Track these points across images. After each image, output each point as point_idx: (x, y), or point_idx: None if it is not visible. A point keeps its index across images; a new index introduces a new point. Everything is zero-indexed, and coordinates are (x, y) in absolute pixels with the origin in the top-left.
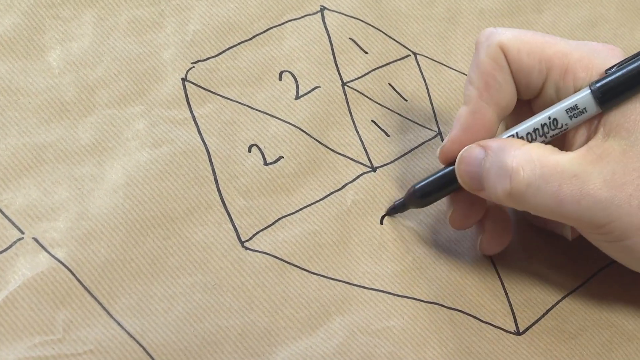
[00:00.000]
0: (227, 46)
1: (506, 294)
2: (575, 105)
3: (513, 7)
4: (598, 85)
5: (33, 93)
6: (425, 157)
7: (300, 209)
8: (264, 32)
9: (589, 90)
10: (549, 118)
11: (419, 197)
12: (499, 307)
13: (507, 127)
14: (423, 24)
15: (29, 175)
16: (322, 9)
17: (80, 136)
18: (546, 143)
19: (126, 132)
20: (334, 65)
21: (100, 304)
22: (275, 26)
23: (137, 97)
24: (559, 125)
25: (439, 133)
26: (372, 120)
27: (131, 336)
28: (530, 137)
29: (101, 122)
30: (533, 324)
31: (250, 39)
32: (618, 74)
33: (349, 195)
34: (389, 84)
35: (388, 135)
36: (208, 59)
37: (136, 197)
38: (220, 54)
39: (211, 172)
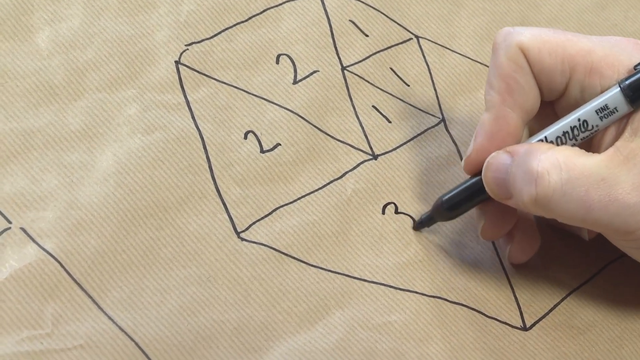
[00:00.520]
0: (223, 27)
1: (512, 288)
2: (605, 105)
3: None
4: (627, 82)
5: (20, 76)
6: (428, 145)
7: (298, 199)
8: (261, 13)
9: (619, 89)
10: (579, 120)
11: (446, 209)
12: (504, 302)
13: (530, 131)
14: (426, 6)
15: (16, 162)
16: None
17: (69, 121)
18: (575, 146)
19: (117, 117)
20: (334, 49)
21: (90, 297)
22: (272, 7)
23: (129, 81)
24: (589, 127)
25: (443, 119)
26: (373, 106)
27: (122, 330)
28: (559, 140)
29: (91, 106)
30: (540, 319)
31: (247, 20)
32: None
33: (349, 184)
34: (391, 69)
35: (390, 122)
36: (202, 40)
37: (128, 186)
38: (215, 35)
39: (205, 159)
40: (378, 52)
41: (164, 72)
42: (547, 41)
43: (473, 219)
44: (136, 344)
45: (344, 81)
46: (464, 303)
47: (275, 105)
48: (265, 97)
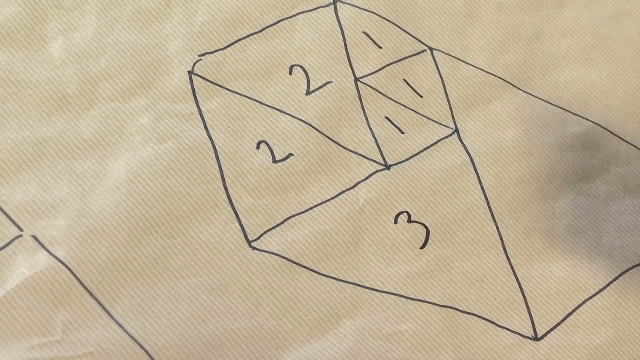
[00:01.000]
0: (236, 38)
1: (524, 298)
2: None
3: (534, 1)
4: None
5: (34, 85)
6: (442, 155)
7: (310, 208)
8: (275, 24)
9: None
10: None
11: None
12: (516, 312)
13: None
14: (440, 18)
15: (28, 170)
16: (335, 1)
17: (82, 130)
18: None
19: (130, 127)
20: (347, 60)
21: (100, 304)
22: (286, 18)
23: (142, 90)
24: None
25: (456, 130)
26: (386, 117)
27: (133, 338)
28: None
29: (104, 115)
30: (552, 329)
31: (260, 31)
32: None
33: (362, 194)
34: (404, 80)
35: (403, 133)
36: (216, 51)
37: (139, 194)
38: (228, 46)
39: (218, 169)
40: (391, 63)
41: (177, 82)
42: None
43: (483, 224)
44: (146, 351)
45: (356, 92)
46: (475, 313)
47: (288, 116)
48: (278, 107)
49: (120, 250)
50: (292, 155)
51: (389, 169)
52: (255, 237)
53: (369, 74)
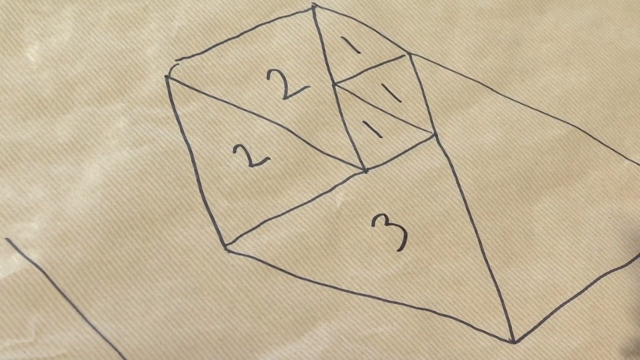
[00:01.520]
0: (214, 43)
1: (502, 300)
2: None
3: (514, 7)
4: None
5: (9, 89)
6: (420, 158)
7: (287, 212)
8: (253, 29)
9: None
10: None
11: None
12: (493, 315)
13: None
14: (419, 23)
15: (3, 173)
16: (314, 6)
17: (57, 134)
18: None
19: (106, 131)
20: (325, 65)
21: (74, 306)
22: (264, 23)
23: (118, 95)
24: None
25: (435, 134)
26: (364, 121)
27: (106, 340)
28: None
29: (80, 119)
30: (529, 332)
31: (238, 36)
32: None
33: (339, 197)
34: (382, 85)
35: (381, 137)
36: (193, 56)
37: (114, 198)
38: (206, 51)
39: (194, 172)
40: (370, 68)
41: (153, 87)
42: None
43: (461, 227)
44: (120, 354)
45: (334, 97)
46: (453, 315)
47: (265, 120)
48: (255, 111)
49: (94, 253)
50: (269, 159)
51: (366, 172)
52: (231, 240)
53: (347, 79)
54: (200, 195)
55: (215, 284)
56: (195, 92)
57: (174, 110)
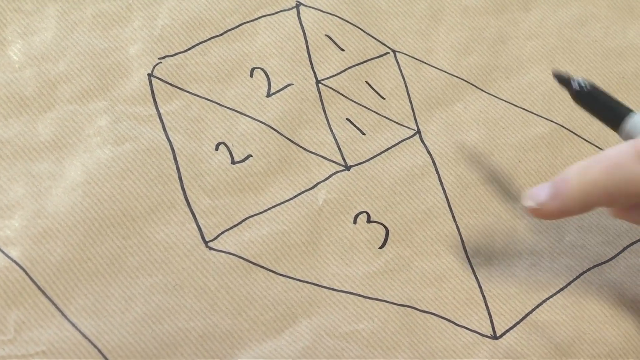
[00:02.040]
0: (197, 41)
1: (484, 297)
2: None
3: (499, 5)
4: None
5: None
6: (403, 155)
7: (269, 209)
8: (236, 27)
9: None
10: None
11: (585, 93)
12: (475, 311)
13: None
14: (404, 21)
15: None
16: (298, 4)
17: (39, 132)
18: None
19: (87, 129)
20: (309, 63)
21: (54, 304)
22: (248, 21)
23: (101, 93)
24: None
25: (418, 131)
26: (347, 119)
27: (86, 337)
28: None
29: (62, 118)
30: (511, 328)
31: (222, 34)
32: None
33: (321, 195)
34: (366, 82)
35: (364, 134)
36: (176, 54)
37: (95, 195)
38: (189, 49)
39: (175, 170)
40: (354, 66)
41: (136, 85)
42: None
43: (443, 224)
44: (99, 350)
45: (318, 94)
46: (434, 312)
47: (247, 118)
48: (238, 109)
49: (75, 250)
50: (251, 156)
51: (349, 170)
52: (212, 238)
53: (331, 76)
54: (181, 192)
55: (196, 281)
56: (178, 90)
57: (157, 108)
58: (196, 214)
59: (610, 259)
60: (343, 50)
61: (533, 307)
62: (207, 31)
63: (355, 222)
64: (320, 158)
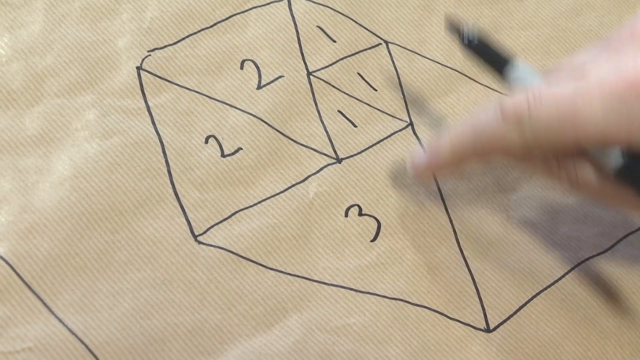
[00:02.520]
0: (186, 34)
1: (477, 289)
2: None
3: None
4: None
5: None
6: (395, 148)
7: (259, 202)
8: (227, 19)
9: None
10: None
11: (471, 41)
12: (468, 304)
13: None
14: (396, 11)
15: None
16: None
17: (26, 126)
18: None
19: (75, 123)
20: (300, 54)
21: (41, 299)
22: (238, 13)
23: (89, 86)
24: None
25: (411, 123)
26: (339, 111)
27: (73, 333)
28: None
29: (49, 111)
30: (504, 321)
31: (212, 26)
32: None
33: (312, 188)
34: (358, 74)
35: (355, 126)
36: (166, 46)
37: (83, 190)
38: (178, 41)
39: (164, 164)
40: (345, 57)
41: (124, 78)
42: None
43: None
44: (86, 346)
45: (309, 86)
46: (426, 305)
47: (237, 110)
48: (228, 102)
49: (62, 245)
50: (241, 149)
51: (340, 163)
52: (201, 232)
53: (322, 68)
54: (171, 186)
55: (185, 276)
56: (167, 83)
57: (145, 102)
58: (185, 207)
59: (606, 251)
60: (335, 41)
61: (527, 299)
62: (197, 23)
63: (346, 215)
64: (311, 151)
